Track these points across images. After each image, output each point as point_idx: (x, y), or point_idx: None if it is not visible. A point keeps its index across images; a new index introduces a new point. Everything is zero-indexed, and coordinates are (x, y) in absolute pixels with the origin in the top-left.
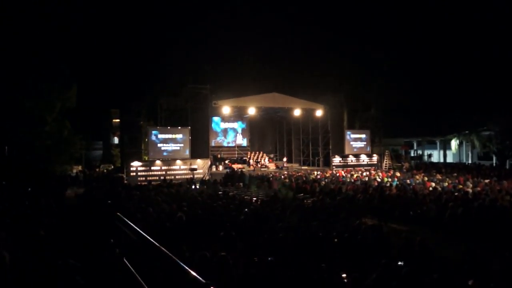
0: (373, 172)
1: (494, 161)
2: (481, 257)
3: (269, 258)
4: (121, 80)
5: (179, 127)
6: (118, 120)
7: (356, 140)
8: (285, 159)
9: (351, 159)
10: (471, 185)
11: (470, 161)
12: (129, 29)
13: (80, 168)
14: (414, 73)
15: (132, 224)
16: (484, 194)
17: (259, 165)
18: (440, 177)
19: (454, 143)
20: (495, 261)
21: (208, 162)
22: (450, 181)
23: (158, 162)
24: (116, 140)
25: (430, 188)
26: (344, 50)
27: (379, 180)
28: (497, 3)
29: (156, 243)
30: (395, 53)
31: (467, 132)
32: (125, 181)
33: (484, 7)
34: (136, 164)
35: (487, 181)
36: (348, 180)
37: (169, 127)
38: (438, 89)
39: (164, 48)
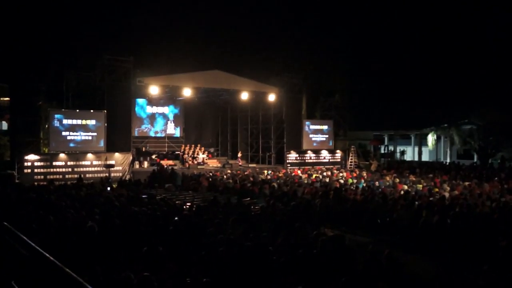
0: (335, 171)
1: (475, 160)
2: (457, 273)
3: (205, 279)
4: (11, 45)
5: (92, 111)
6: (7, 99)
7: (316, 132)
8: (239, 155)
9: (310, 156)
10: (448, 188)
11: (448, 160)
12: None
13: None
14: (387, 54)
15: (24, 237)
16: (463, 199)
17: (195, 162)
18: (413, 179)
19: (431, 138)
20: (479, 277)
21: (129, 156)
22: (425, 184)
23: (62, 155)
24: (4, 125)
25: (402, 192)
26: (304, 23)
27: (342, 181)
28: None
29: (57, 262)
30: (365, 28)
31: (446, 125)
32: (17, 180)
33: None
34: (32, 158)
35: (466, 183)
36: (306, 181)
37: (78, 110)
38: (414, 75)
39: (75, 7)
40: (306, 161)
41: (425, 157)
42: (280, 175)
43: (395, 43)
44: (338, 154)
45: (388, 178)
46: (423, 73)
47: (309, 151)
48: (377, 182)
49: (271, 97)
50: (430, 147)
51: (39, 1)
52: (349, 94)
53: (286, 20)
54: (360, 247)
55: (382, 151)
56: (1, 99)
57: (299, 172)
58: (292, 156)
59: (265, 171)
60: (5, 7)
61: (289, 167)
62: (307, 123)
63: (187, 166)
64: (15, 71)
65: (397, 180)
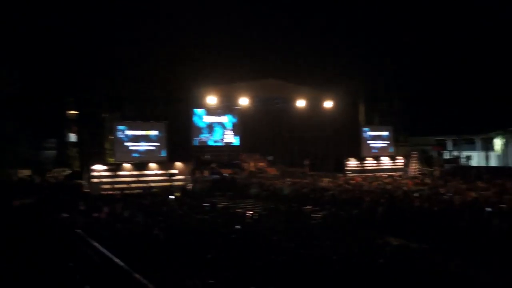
0: (397, 178)
1: None
2: None
3: None
4: (77, 61)
5: (153, 122)
6: (75, 112)
7: (375, 138)
8: (306, 163)
9: (370, 163)
10: None
11: None
12: None
13: (28, 172)
14: (449, 54)
15: (96, 244)
16: None
17: (254, 170)
18: (481, 185)
19: (498, 143)
20: None
21: (190, 165)
22: (494, 190)
23: (127, 165)
24: (73, 137)
25: (469, 199)
26: (360, 29)
27: (405, 188)
28: None
29: (127, 268)
30: (424, 29)
31: None
32: (85, 189)
33: None
34: (99, 168)
35: None
36: (366, 188)
37: (140, 121)
38: (478, 75)
39: (131, 24)
40: (366, 168)
41: (492, 163)
42: (340, 182)
43: (457, 42)
44: (400, 160)
45: (453, 185)
46: (487, 75)
47: (368, 158)
48: (441, 189)
49: (328, 104)
50: (498, 151)
51: (101, 18)
52: (408, 98)
53: (341, 26)
54: (427, 256)
55: (446, 157)
56: (70, 112)
57: (359, 179)
58: (352, 163)
59: (325, 179)
60: (70, 26)
61: (349, 175)
62: (365, 129)
63: (247, 174)
64: (81, 85)
65: (463, 186)
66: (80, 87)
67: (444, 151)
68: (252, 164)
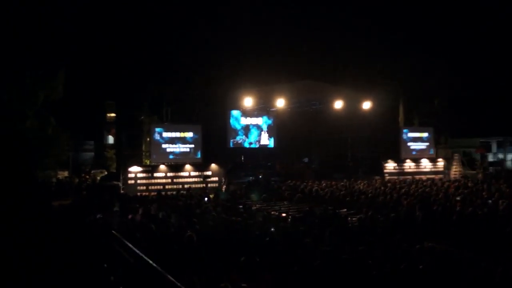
0: (438, 181)
1: None
2: None
3: None
4: (117, 66)
5: (189, 124)
6: (113, 115)
7: (415, 140)
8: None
9: (409, 165)
10: None
11: None
12: (129, 2)
13: (66, 173)
14: (494, 52)
15: (130, 245)
16: None
17: (289, 172)
18: None
19: None
20: None
21: (225, 167)
22: None
23: (162, 167)
24: (111, 139)
25: None
26: (398, 28)
27: (446, 192)
28: None
29: (161, 269)
30: (466, 26)
31: None
32: (122, 191)
33: None
34: (135, 169)
35: None
36: (405, 191)
37: (176, 124)
38: None
39: (170, 28)
40: (405, 170)
41: None
42: (377, 185)
43: (500, 38)
44: (441, 163)
45: (497, 189)
46: None
47: (408, 160)
48: (485, 193)
49: (366, 105)
50: None
51: (136, 25)
52: (450, 98)
53: (379, 26)
54: (470, 263)
55: (490, 159)
56: (109, 115)
57: (398, 182)
58: (390, 165)
59: (361, 182)
60: (109, 29)
61: (387, 177)
62: (404, 130)
63: (281, 176)
64: (121, 89)
65: (508, 190)
66: (120, 90)
67: (488, 153)
68: (287, 166)
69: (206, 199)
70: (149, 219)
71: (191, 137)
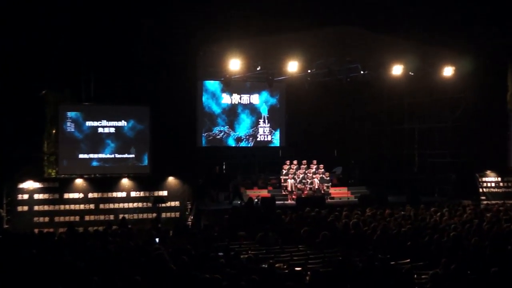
0: None
1: None
2: None
3: None
4: None
5: (128, 105)
6: None
7: None
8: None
9: None
10: None
11: None
12: None
13: None
14: None
15: None
16: None
17: (307, 192)
18: None
19: None
20: None
21: (192, 183)
22: None
23: (79, 182)
24: None
25: None
26: None
27: None
28: None
29: None
30: None
31: None
32: (5, 225)
33: None
34: (29, 186)
35: None
36: None
37: (105, 105)
38: None
39: None
40: None
41: None
42: (467, 216)
43: None
44: None
45: None
46: None
47: None
48: None
49: (447, 72)
50: None
51: None
52: None
53: None
54: None
55: None
56: None
57: (503, 209)
58: (490, 180)
59: (438, 209)
60: None
61: (485, 202)
62: None
63: (292, 198)
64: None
65: None
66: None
67: None
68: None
69: (158, 239)
70: (57, 276)
71: (130, 129)
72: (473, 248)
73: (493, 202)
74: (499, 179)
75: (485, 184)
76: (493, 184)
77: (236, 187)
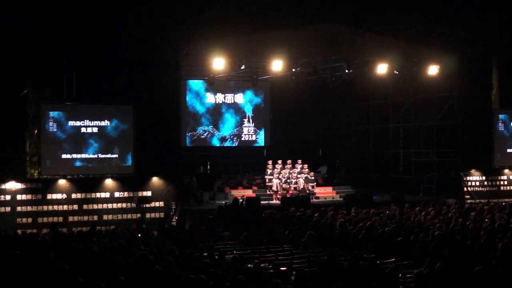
0: None
1: None
2: None
3: None
4: None
5: (111, 105)
6: None
7: None
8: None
9: (508, 179)
10: None
11: None
12: None
13: None
14: None
15: None
16: None
17: (292, 192)
18: None
19: None
20: None
21: (177, 183)
22: None
23: (62, 183)
24: None
25: None
26: None
27: None
28: None
29: None
30: None
31: None
32: None
33: None
34: (12, 187)
35: None
36: (500, 225)
37: (88, 104)
38: None
39: None
40: (502, 188)
41: None
42: (451, 214)
43: None
44: None
45: None
46: None
47: (506, 171)
48: None
49: (432, 71)
50: None
51: None
52: None
53: None
54: None
55: None
56: None
57: (486, 208)
58: (474, 178)
59: (422, 208)
60: None
61: (469, 200)
62: (501, 116)
63: (277, 198)
64: None
65: None
66: None
67: None
68: (286, 177)
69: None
70: (42, 277)
71: (114, 128)
72: (457, 246)
73: (478, 201)
74: (484, 178)
75: (469, 183)
76: (477, 183)
77: (192, 187)
